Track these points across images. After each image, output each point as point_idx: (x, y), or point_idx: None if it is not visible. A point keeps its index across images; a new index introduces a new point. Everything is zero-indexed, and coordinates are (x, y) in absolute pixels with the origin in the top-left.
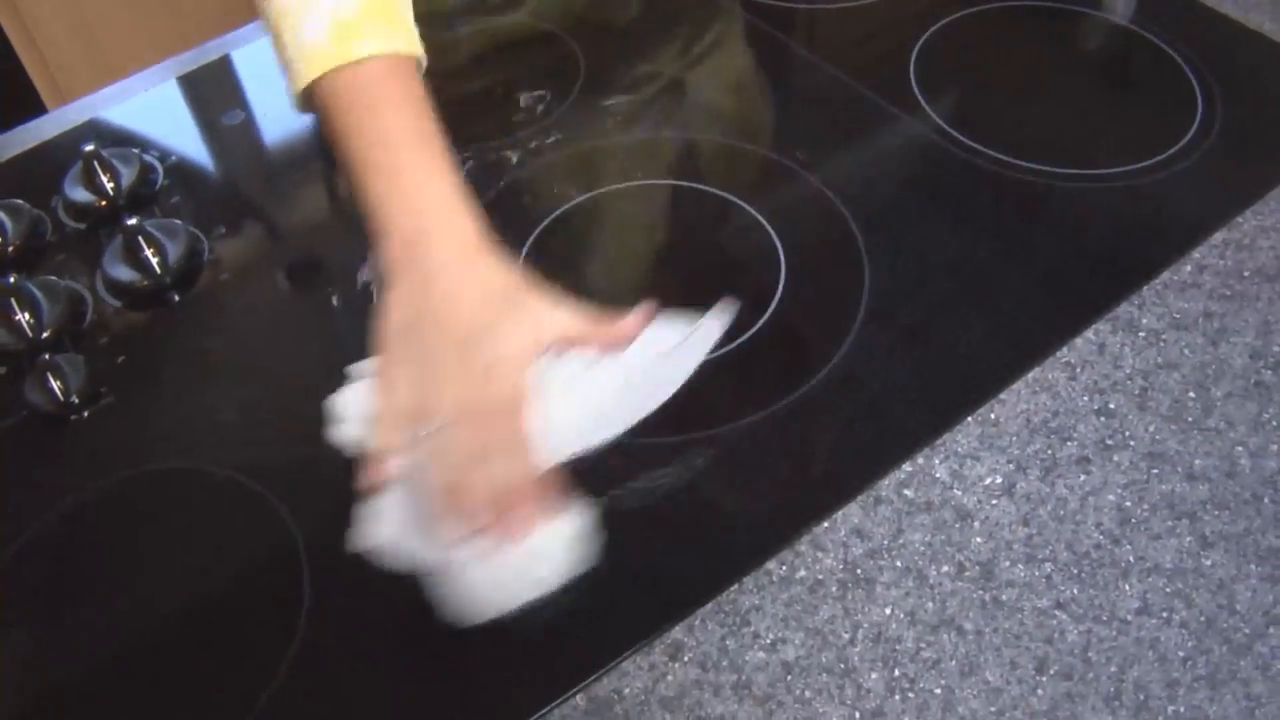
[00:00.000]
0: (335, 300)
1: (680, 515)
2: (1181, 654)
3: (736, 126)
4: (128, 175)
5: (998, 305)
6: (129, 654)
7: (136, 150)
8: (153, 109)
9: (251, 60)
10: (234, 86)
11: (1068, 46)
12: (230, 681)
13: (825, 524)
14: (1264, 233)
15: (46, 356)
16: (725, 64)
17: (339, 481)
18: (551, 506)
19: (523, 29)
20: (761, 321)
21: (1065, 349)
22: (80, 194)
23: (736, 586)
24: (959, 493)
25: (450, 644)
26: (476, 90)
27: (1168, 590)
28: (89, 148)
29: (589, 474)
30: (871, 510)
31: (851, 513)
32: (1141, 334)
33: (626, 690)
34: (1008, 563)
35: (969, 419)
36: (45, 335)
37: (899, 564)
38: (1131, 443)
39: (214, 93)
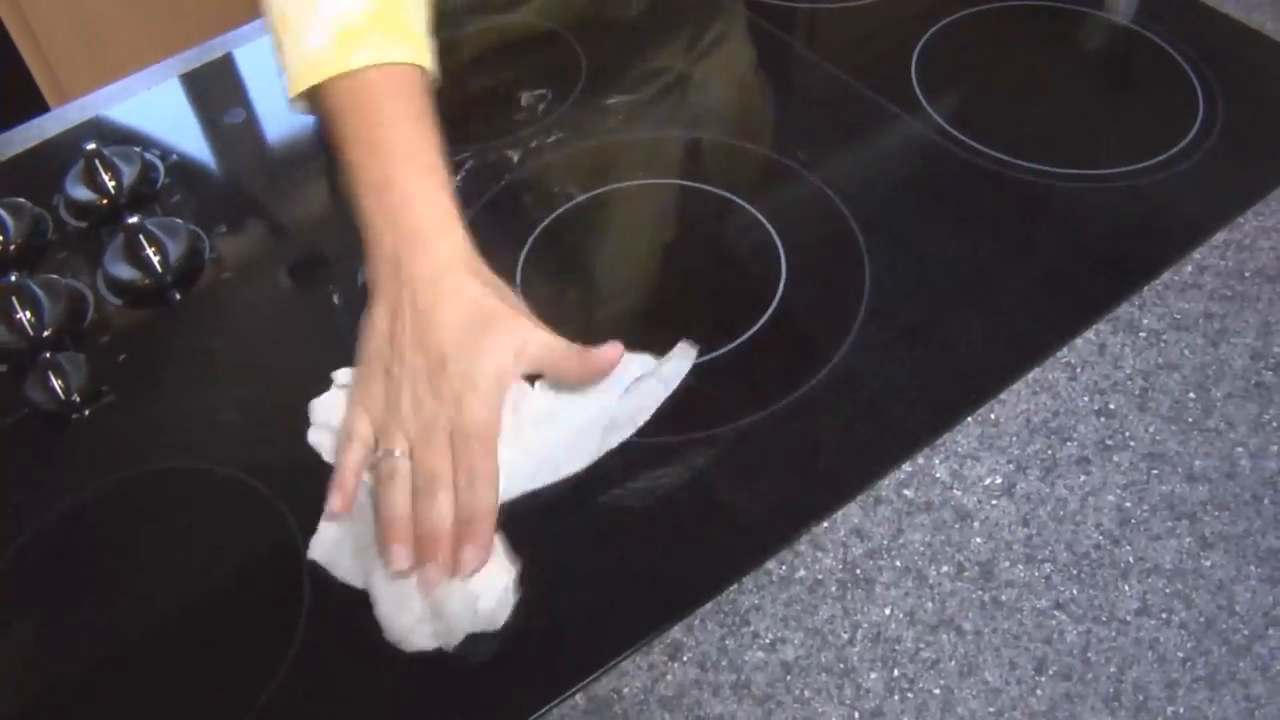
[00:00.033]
0: (336, 299)
1: (680, 515)
2: (1181, 655)
3: (738, 124)
4: (129, 174)
5: (998, 305)
6: (129, 653)
7: (138, 149)
8: (154, 107)
9: (253, 59)
10: (236, 85)
11: (1069, 46)
12: (230, 681)
13: (825, 524)
14: (1265, 233)
15: (47, 355)
16: (729, 60)
17: None
18: (487, 551)
19: (524, 28)
20: (761, 321)
21: (1065, 349)
22: (82, 192)
23: (736, 586)
24: (959, 493)
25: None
26: (478, 89)
27: (1167, 591)
28: (90, 146)
29: (589, 474)
30: (871, 510)
31: (851, 513)
32: (1142, 334)
33: (626, 690)
34: (1007, 563)
35: (969, 419)
36: (46, 334)
37: (898, 564)
38: (1131, 443)
39: (216, 91)
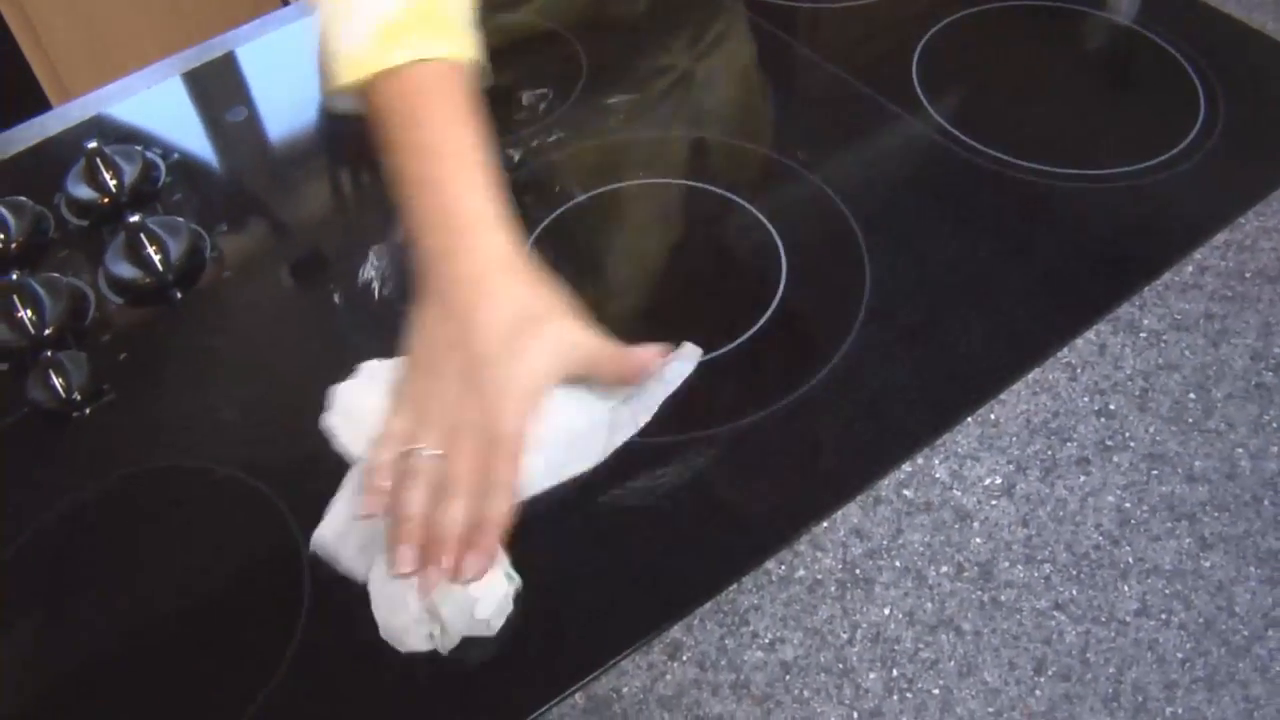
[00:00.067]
0: (337, 298)
1: (680, 515)
2: (1180, 655)
3: (741, 121)
4: (130, 172)
5: (998, 305)
6: (129, 652)
7: (139, 147)
8: (156, 106)
9: (255, 57)
10: (238, 83)
11: (1070, 46)
12: (230, 680)
13: (824, 524)
14: (1266, 234)
15: (48, 353)
16: (731, 56)
17: (340, 479)
18: (490, 559)
19: (525, 27)
20: (762, 321)
21: (1066, 349)
22: (83, 191)
23: (735, 586)
24: (958, 493)
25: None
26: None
27: (1167, 592)
28: (92, 145)
29: (590, 474)
30: (871, 510)
31: (851, 513)
32: (1142, 335)
33: (625, 689)
34: (1007, 563)
35: (969, 419)
36: (47, 332)
37: (898, 564)
38: (1131, 444)
39: (217, 89)
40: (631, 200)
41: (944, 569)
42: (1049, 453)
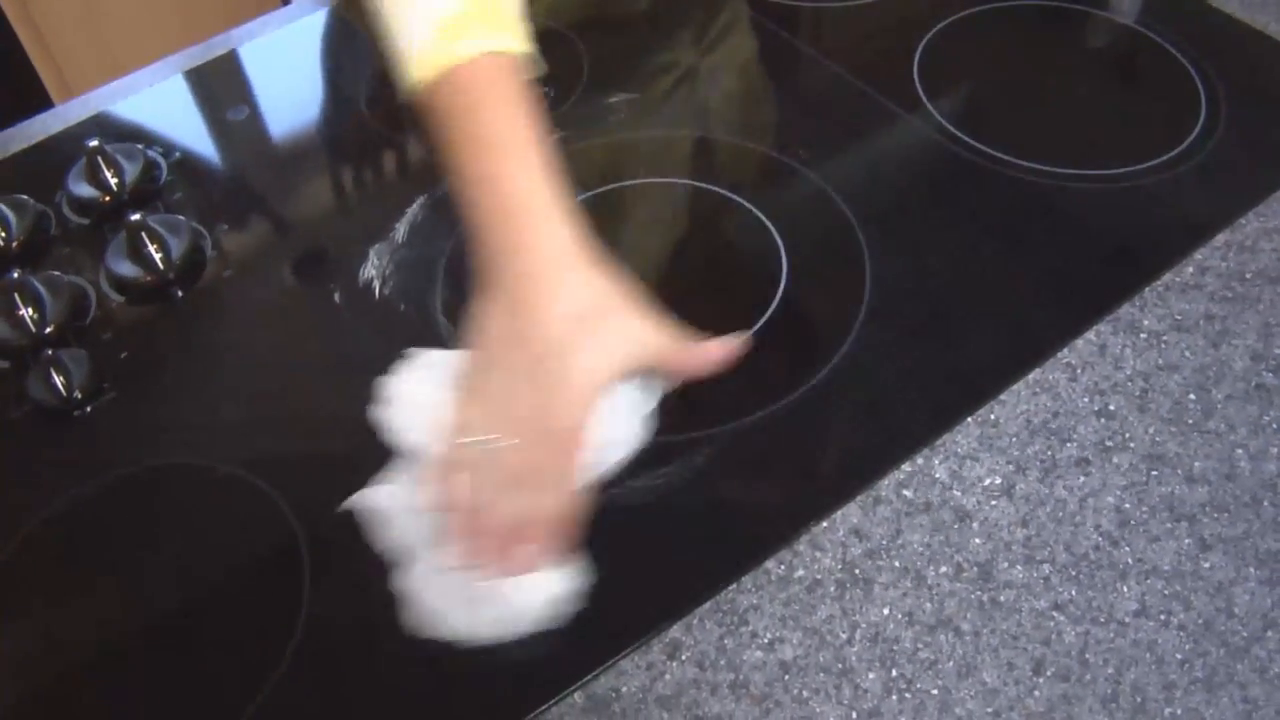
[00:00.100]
0: (338, 297)
1: (680, 515)
2: (1179, 656)
3: (742, 118)
4: (132, 171)
5: (998, 305)
6: (130, 650)
7: (141, 146)
8: (158, 104)
9: (258, 56)
10: (240, 82)
11: (1072, 46)
12: (230, 678)
13: (824, 524)
14: (1266, 234)
15: (49, 351)
16: (735, 51)
17: (340, 478)
18: (558, 551)
19: None
20: (762, 320)
21: (1066, 350)
22: (84, 189)
23: (735, 586)
24: (958, 493)
25: (450, 642)
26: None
27: (1166, 592)
28: (93, 143)
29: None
30: (870, 510)
31: (850, 512)
32: (1143, 335)
33: (624, 689)
34: (1006, 564)
35: (969, 419)
36: (48, 330)
37: (897, 564)
38: (1131, 444)
39: (219, 88)
40: (633, 199)
41: (943, 569)
42: (1049, 453)
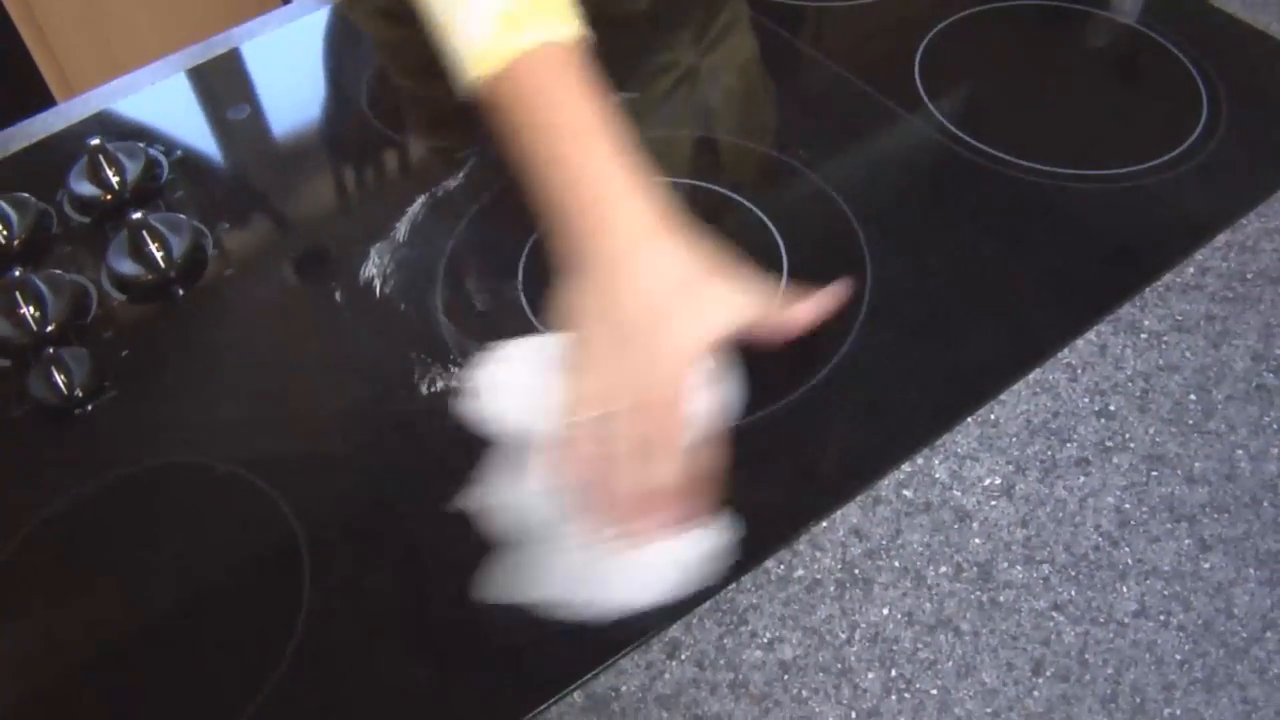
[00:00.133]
0: (339, 295)
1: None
2: (1178, 657)
3: (743, 117)
4: (133, 169)
5: (999, 305)
6: (130, 649)
7: (142, 144)
8: (160, 102)
9: (259, 54)
10: (242, 81)
11: (1073, 46)
12: (230, 677)
13: (824, 524)
14: (1267, 235)
15: (50, 350)
16: (735, 50)
17: (341, 478)
18: (691, 516)
19: None
20: None
21: (1066, 350)
22: (85, 188)
23: (735, 585)
24: (958, 493)
25: (449, 641)
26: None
27: (1165, 593)
28: (95, 141)
29: None
30: (870, 510)
31: (850, 512)
32: (1143, 336)
33: (624, 688)
34: (1006, 564)
35: (969, 419)
36: (49, 329)
37: (897, 564)
38: (1131, 445)
39: (221, 87)
40: None
41: (943, 569)
42: (1049, 453)
